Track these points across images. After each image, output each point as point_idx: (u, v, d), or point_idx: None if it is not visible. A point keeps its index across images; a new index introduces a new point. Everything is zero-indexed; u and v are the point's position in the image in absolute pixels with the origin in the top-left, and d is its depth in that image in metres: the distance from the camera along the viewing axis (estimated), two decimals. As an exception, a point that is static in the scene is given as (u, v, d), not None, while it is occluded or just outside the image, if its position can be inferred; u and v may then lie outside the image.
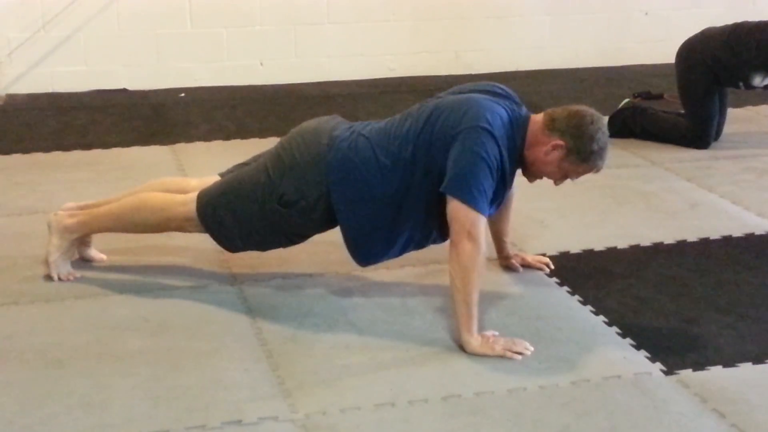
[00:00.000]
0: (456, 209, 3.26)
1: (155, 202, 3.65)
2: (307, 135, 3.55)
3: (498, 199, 3.46)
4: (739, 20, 5.51)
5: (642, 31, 7.68)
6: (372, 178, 3.42)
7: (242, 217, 3.53)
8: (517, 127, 3.40)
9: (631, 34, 7.68)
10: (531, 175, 3.51)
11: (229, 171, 3.74)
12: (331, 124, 3.59)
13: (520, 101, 3.54)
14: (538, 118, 3.43)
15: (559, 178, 3.49)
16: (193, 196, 3.61)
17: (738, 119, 6.02)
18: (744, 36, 5.33)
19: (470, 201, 3.24)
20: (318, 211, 3.48)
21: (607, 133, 3.41)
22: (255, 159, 3.69)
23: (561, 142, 3.36)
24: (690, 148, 5.48)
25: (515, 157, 3.40)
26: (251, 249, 3.67)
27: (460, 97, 3.48)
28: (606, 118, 3.40)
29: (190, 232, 3.68)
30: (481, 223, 3.27)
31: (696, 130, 5.49)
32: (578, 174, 3.47)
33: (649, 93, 6.53)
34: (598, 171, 3.47)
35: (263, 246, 3.66)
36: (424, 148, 3.38)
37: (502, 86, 3.56)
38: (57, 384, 3.03)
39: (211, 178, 3.73)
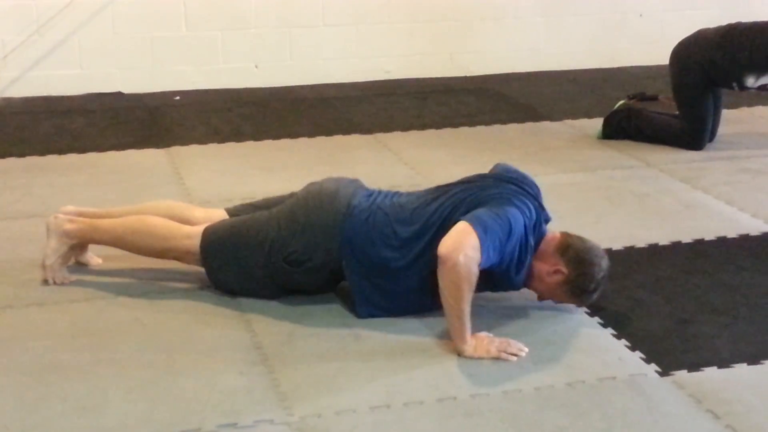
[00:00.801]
0: (461, 227, 3.22)
1: (160, 230, 3.65)
2: (325, 197, 3.53)
3: (510, 279, 3.43)
4: (734, 21, 5.52)
5: (636, 32, 7.69)
6: (387, 251, 3.41)
7: (245, 264, 3.54)
8: (537, 231, 3.43)
9: (626, 36, 7.69)
10: (525, 283, 3.53)
11: (237, 210, 3.75)
12: (350, 189, 3.57)
13: (544, 204, 3.54)
14: (554, 236, 3.46)
15: (545, 297, 3.53)
16: (198, 230, 3.60)
17: (732, 120, 6.02)
18: (738, 37, 5.34)
19: (478, 232, 3.20)
20: (322, 274, 3.50)
21: (607, 277, 3.46)
22: (266, 204, 3.69)
23: (564, 271, 3.39)
24: (685, 149, 5.48)
25: (531, 252, 3.41)
26: (242, 294, 3.63)
27: (489, 185, 3.48)
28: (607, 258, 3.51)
29: (186, 263, 3.68)
30: (477, 253, 3.18)
31: (690, 131, 5.50)
32: (563, 301, 3.52)
33: (644, 94, 6.54)
34: (580, 306, 3.53)
35: (255, 294, 3.62)
36: (447, 230, 3.32)
37: (530, 182, 3.56)
38: (52, 388, 3.03)
39: (217, 212, 3.76)
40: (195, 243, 3.59)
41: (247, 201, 3.89)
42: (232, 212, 3.75)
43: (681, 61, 5.51)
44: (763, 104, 6.45)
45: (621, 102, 5.97)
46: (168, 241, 3.64)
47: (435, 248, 3.26)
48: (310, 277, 3.53)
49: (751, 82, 5.38)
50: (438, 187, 3.61)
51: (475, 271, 3.19)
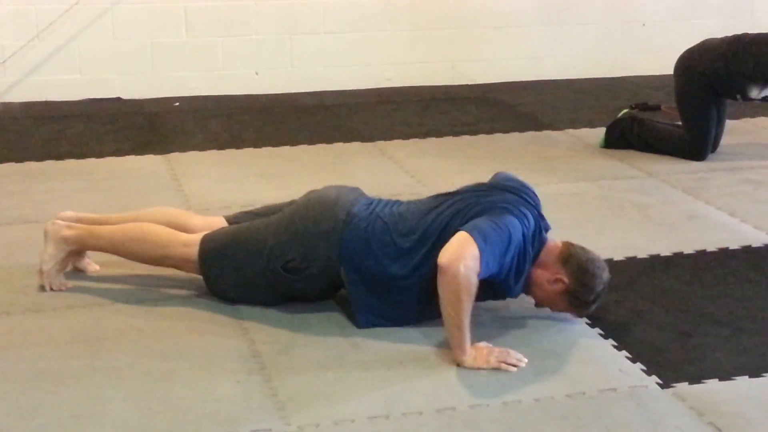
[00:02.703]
0: (460, 237, 3.21)
1: (157, 238, 3.62)
2: (325, 205, 3.51)
3: (509, 288, 3.42)
4: (737, 32, 5.51)
5: (640, 42, 7.68)
6: (387, 261, 3.40)
7: (243, 272, 3.52)
8: (537, 239, 3.42)
9: (629, 45, 7.68)
10: (523, 290, 3.51)
11: (237, 217, 3.73)
12: (350, 197, 3.56)
13: (543, 214, 3.53)
14: (555, 245, 3.45)
15: (544, 305, 3.52)
16: (196, 238, 3.59)
17: (735, 131, 6.01)
18: (743, 48, 5.33)
19: (478, 242, 3.18)
20: (321, 282, 3.48)
21: (606, 289, 3.46)
22: (266, 212, 3.68)
23: (565, 280, 3.38)
24: (687, 159, 5.47)
25: (530, 261, 3.40)
26: (240, 302, 3.61)
27: (489, 193, 3.47)
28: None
29: (184, 271, 3.66)
30: (477, 262, 3.16)
31: (693, 141, 5.48)
32: (562, 311, 3.52)
33: (647, 104, 6.52)
34: (579, 317, 3.52)
35: (254, 302, 3.60)
36: (446, 240, 3.31)
37: (530, 191, 3.54)
38: (48, 395, 3.01)
39: (216, 220, 3.74)
40: (193, 251, 3.57)
41: (247, 209, 3.87)
42: (231, 220, 3.73)
43: (685, 70, 5.49)
44: (766, 115, 6.44)
45: (624, 111, 5.95)
46: (166, 248, 3.62)
47: (434, 258, 3.26)
48: (308, 285, 3.51)
49: (755, 93, 5.37)
50: (437, 196, 3.60)
51: (474, 281, 3.18)
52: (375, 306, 3.45)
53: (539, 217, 3.48)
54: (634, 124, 5.69)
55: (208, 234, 3.60)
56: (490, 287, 3.36)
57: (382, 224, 3.45)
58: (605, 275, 3.43)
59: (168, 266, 3.69)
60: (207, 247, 3.56)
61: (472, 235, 3.20)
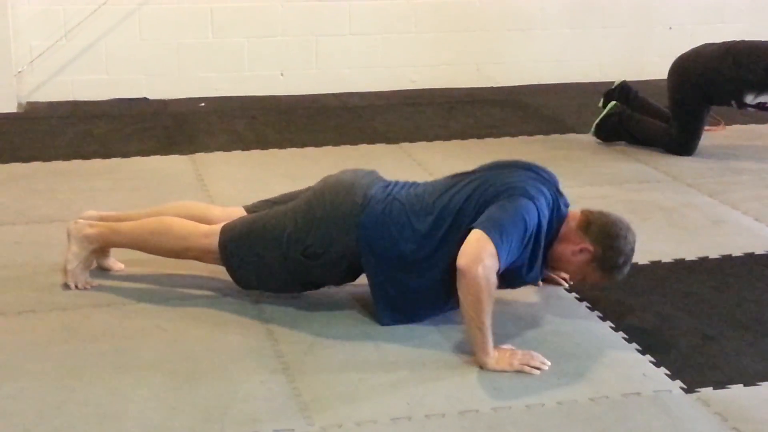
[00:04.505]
0: (476, 237, 3.19)
1: (178, 230, 3.64)
2: (342, 189, 3.52)
3: (521, 277, 3.41)
4: (765, 36, 5.55)
5: (665, 45, 7.63)
6: (404, 243, 3.39)
7: (263, 260, 3.52)
8: (557, 215, 3.40)
9: (654, 49, 7.65)
10: (551, 268, 3.52)
11: (255, 206, 3.73)
12: (366, 180, 3.56)
13: (562, 191, 3.52)
14: (574, 215, 3.43)
15: (577, 278, 3.53)
16: (216, 228, 3.60)
17: (761, 136, 5.99)
18: (738, 55, 5.42)
19: (494, 239, 3.17)
20: (341, 267, 3.47)
21: (634, 248, 3.42)
22: (284, 199, 3.68)
23: (590, 248, 3.37)
24: (674, 155, 5.58)
25: (549, 241, 3.39)
26: (264, 290, 3.64)
27: (504, 172, 3.46)
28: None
29: (206, 262, 3.68)
30: (495, 261, 3.16)
31: (681, 140, 5.60)
32: (596, 280, 3.50)
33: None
34: (614, 283, 3.51)
35: (277, 290, 3.63)
36: (463, 222, 3.32)
37: (547, 170, 3.54)
38: (73, 393, 3.02)
39: (235, 210, 3.74)
40: (213, 241, 3.58)
41: (265, 198, 3.86)
42: (250, 209, 3.74)
43: (679, 76, 5.66)
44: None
45: (612, 103, 5.91)
46: (186, 240, 3.63)
47: (451, 242, 3.29)
48: (328, 271, 3.50)
49: (750, 99, 5.42)
50: (454, 176, 3.58)
51: (494, 280, 3.18)
52: (395, 296, 3.44)
53: (557, 194, 3.45)
54: (623, 118, 5.81)
55: (227, 224, 3.61)
56: (503, 277, 3.30)
57: (399, 205, 3.45)
58: (630, 235, 3.39)
59: (190, 258, 3.70)
60: (227, 237, 3.57)
61: (487, 233, 3.19)
